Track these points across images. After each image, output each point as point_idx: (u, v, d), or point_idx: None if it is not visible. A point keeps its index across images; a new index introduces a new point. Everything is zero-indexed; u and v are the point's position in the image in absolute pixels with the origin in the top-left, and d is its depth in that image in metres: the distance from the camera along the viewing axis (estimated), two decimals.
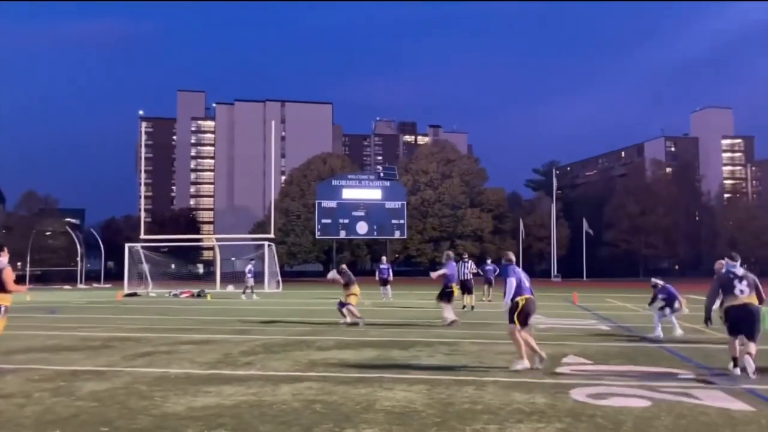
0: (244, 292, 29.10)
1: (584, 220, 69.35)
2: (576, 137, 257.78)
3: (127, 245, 37.44)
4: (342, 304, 15.09)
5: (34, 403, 6.40)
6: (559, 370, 8.37)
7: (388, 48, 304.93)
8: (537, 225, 79.54)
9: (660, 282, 12.84)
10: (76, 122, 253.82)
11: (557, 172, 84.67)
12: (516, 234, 72.29)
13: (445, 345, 11.09)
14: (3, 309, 8.72)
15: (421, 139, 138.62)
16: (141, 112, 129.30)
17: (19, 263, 72.20)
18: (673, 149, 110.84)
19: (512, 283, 8.75)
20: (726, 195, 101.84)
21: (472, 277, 20.17)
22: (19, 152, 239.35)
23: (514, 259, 9.50)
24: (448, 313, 14.79)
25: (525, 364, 8.35)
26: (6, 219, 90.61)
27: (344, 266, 16.17)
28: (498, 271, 26.51)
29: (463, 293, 19.84)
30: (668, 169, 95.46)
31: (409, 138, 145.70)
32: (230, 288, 36.98)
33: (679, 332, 12.39)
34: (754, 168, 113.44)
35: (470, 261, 20.91)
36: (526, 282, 8.94)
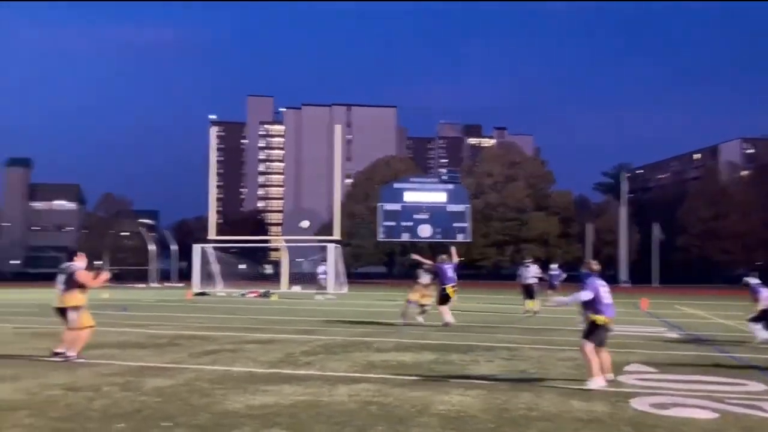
0: (318, 293, 29.60)
1: (655, 224, 67.17)
2: (647, 139, 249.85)
3: (197, 246, 38.56)
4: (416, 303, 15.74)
5: (102, 397, 6.68)
6: (621, 378, 8.14)
7: (452, 49, 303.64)
8: (606, 229, 77.50)
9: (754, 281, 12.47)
10: (150, 126, 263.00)
11: (628, 175, 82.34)
12: (583, 238, 70.66)
13: (505, 350, 10.96)
14: (75, 310, 9.23)
15: (486, 142, 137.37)
16: (212, 117, 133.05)
17: (95, 262, 75.53)
18: (750, 151, 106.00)
19: (583, 296, 7.78)
20: None
21: (536, 281, 19.85)
22: (98, 156, 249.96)
23: (597, 268, 8.31)
24: (447, 315, 15.29)
25: (599, 382, 7.47)
26: (86, 220, 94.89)
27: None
28: (563, 276, 26.01)
29: (525, 297, 19.56)
30: (744, 172, 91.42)
31: (473, 140, 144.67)
32: (297, 288, 37.55)
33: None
34: None
35: (533, 265, 20.56)
36: (606, 298, 7.85)
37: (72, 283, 9.39)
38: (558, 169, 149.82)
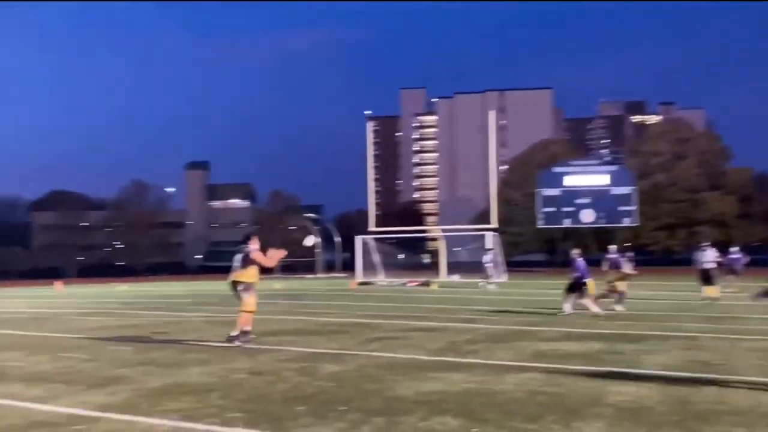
0: (484, 282, 29.53)
1: None
2: None
3: (358, 237, 39.96)
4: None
5: (282, 381, 7.14)
6: None
7: (609, 23, 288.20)
8: None
9: None
10: (311, 125, 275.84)
11: None
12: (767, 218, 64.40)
13: (681, 339, 10.30)
14: (245, 287, 9.99)
15: (652, 119, 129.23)
16: (368, 113, 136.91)
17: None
18: None
19: None
20: None
21: (714, 265, 18.43)
22: (267, 156, 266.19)
23: None
24: (567, 305, 14.76)
25: None
26: (257, 216, 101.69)
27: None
28: (745, 260, 23.91)
29: (702, 284, 18.23)
30: None
31: (637, 118, 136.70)
32: (455, 277, 37.74)
33: None
34: None
35: (710, 249, 19.09)
36: None
37: (247, 262, 10.18)
38: (735, 144, 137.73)
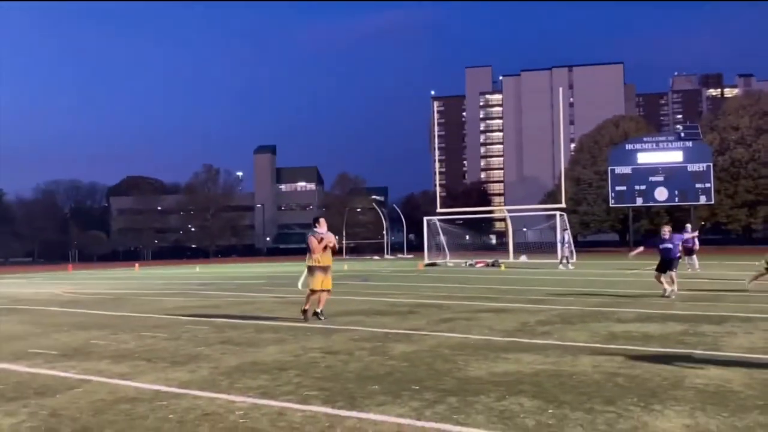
0: (561, 263, 29.07)
1: None
2: None
3: (425, 219, 39.94)
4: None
5: (355, 360, 7.23)
6: None
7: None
8: None
9: None
10: (378, 107, 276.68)
11: None
12: None
13: (765, 321, 9.87)
14: (306, 272, 10.92)
15: (729, 92, 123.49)
16: (433, 92, 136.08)
17: (336, 236, 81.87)
18: None
19: None
20: None
21: None
22: (334, 139, 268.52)
23: None
24: (668, 284, 13.92)
25: None
26: (324, 198, 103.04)
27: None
28: None
29: None
30: None
31: (713, 92, 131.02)
32: (523, 258, 37.28)
33: None
34: None
35: None
36: None
37: (307, 247, 10.76)
38: None
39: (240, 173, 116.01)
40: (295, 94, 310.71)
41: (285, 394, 5.65)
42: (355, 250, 71.22)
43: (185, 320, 11.50)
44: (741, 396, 5.35)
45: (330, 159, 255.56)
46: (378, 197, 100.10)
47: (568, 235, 30.09)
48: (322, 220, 10.97)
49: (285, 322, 10.70)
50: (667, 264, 13.96)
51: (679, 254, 14.40)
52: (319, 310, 10.80)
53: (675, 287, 13.93)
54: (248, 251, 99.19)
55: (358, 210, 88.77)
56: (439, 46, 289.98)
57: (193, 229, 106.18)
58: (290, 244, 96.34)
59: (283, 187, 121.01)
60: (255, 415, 5.00)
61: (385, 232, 66.47)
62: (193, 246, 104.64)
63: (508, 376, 6.26)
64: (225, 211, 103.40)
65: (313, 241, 10.66)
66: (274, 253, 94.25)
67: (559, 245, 29.77)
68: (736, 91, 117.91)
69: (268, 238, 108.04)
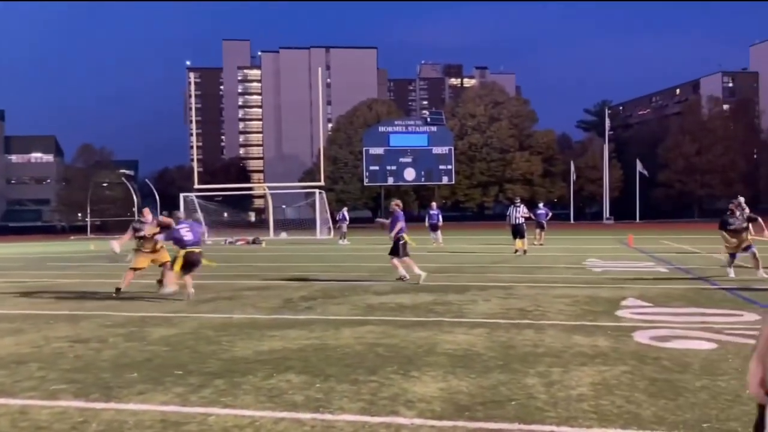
0: (341, 238, 29.86)
1: (638, 160, 67.54)
2: (629, 76, 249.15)
3: (181, 195, 38.30)
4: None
5: (109, 348, 6.70)
6: (618, 313, 8.31)
7: None
8: (589, 167, 78.01)
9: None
10: (126, 74, 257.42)
11: (609, 111, 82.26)
12: (567, 176, 71.13)
13: (500, 289, 11.11)
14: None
15: (468, 82, 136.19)
16: (188, 63, 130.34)
17: (79, 214, 74.84)
18: (730, 85, 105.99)
19: None
20: None
21: (524, 221, 20.00)
22: (75, 106, 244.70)
23: None
24: (401, 269, 12.69)
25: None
26: (65, 172, 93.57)
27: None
28: (549, 215, 26.20)
29: (515, 237, 19.76)
30: (725, 106, 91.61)
31: (455, 81, 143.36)
32: (283, 235, 37.62)
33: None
34: None
35: (522, 205, 20.69)
36: None
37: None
38: (540, 108, 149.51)
39: None
40: (30, 54, 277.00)
41: (27, 391, 5.03)
42: (102, 229, 65.97)
43: None
44: (484, 358, 5.95)
45: (71, 129, 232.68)
46: (127, 171, 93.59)
47: (346, 212, 31.48)
48: (145, 210, 12.17)
49: (22, 310, 9.56)
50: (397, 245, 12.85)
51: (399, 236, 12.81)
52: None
53: (416, 270, 12.54)
54: None
55: (105, 185, 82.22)
56: (195, 15, 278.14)
57: None
58: (23, 221, 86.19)
59: (13, 158, 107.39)
60: None
61: (135, 209, 62.49)
62: None
63: (274, 354, 6.26)
64: None
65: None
66: (2, 231, 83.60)
67: (341, 222, 30.95)
68: (473, 81, 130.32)
69: None
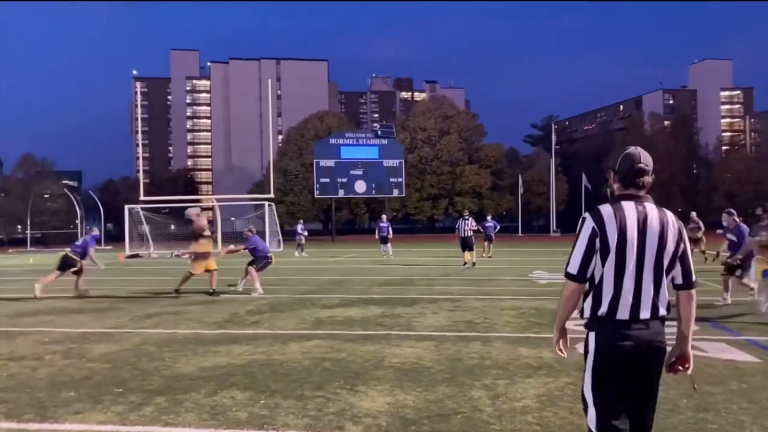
0: (298, 251, 29.56)
1: (583, 175, 69.18)
2: (575, 92, 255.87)
3: (126, 207, 37.39)
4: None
5: (45, 366, 6.46)
6: None
7: (383, 3, 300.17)
8: (535, 180, 79.48)
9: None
10: (71, 84, 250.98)
11: (556, 126, 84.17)
12: (514, 190, 72.32)
13: (448, 301, 11.18)
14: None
15: (418, 96, 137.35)
16: (135, 72, 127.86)
17: (18, 226, 72.28)
18: (671, 102, 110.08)
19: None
20: (724, 147, 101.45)
21: (472, 233, 20.21)
22: (16, 115, 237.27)
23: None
24: (258, 284, 13.23)
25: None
26: (4, 182, 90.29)
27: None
28: (498, 227, 26.54)
29: (464, 250, 19.94)
30: (666, 122, 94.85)
31: (405, 94, 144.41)
32: (231, 247, 37.05)
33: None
34: (752, 120, 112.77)
35: (471, 218, 20.91)
36: None
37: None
38: (489, 122, 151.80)
39: None
40: None
41: None
42: (43, 241, 63.86)
43: None
44: (431, 371, 5.96)
45: (11, 138, 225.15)
46: (70, 182, 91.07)
47: (302, 224, 31.43)
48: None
49: None
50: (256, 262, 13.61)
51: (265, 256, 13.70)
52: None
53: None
54: None
55: (46, 196, 79.71)
56: (143, 25, 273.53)
57: None
58: None
59: None
60: None
61: (78, 221, 60.76)
62: None
63: (218, 370, 6.14)
64: None
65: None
66: None
67: (299, 235, 30.78)
68: (424, 95, 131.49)
69: None
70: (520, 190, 70.12)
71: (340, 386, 5.45)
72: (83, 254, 13.76)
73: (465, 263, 19.65)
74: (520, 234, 66.19)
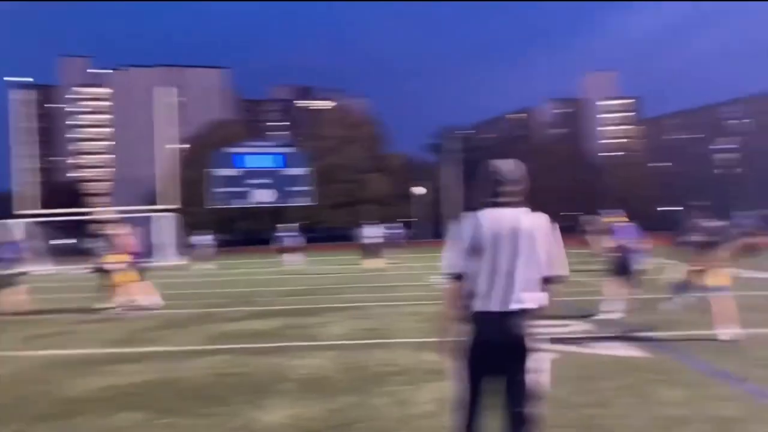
0: (203, 263, 28.64)
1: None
2: (475, 104, 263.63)
3: (14, 221, 35.17)
4: None
5: None
6: None
7: (286, 12, 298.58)
8: (436, 188, 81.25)
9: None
10: None
11: (457, 135, 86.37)
12: (418, 197, 73.65)
13: (354, 309, 11.21)
14: None
15: (322, 104, 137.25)
16: (19, 79, 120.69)
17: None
18: (561, 112, 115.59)
19: None
20: (611, 154, 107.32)
21: (377, 240, 20.40)
22: None
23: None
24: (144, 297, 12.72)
25: None
26: None
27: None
28: (403, 234, 26.94)
29: (368, 257, 20.09)
30: (556, 131, 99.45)
31: (308, 103, 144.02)
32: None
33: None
34: (639, 127, 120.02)
35: (375, 225, 21.12)
36: None
37: None
38: (391, 132, 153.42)
39: None
40: None
41: None
42: None
43: None
44: (333, 381, 5.96)
45: None
46: None
47: (205, 237, 30.86)
48: None
49: None
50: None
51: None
52: None
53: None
54: None
55: None
56: (32, 30, 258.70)
57: None
58: None
59: None
60: None
61: None
62: None
63: (113, 390, 5.88)
64: None
65: None
66: None
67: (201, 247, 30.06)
68: (327, 103, 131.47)
69: None
70: (425, 197, 71.46)
71: (244, 401, 5.35)
72: None
73: (369, 270, 19.77)
74: (424, 240, 67.41)
